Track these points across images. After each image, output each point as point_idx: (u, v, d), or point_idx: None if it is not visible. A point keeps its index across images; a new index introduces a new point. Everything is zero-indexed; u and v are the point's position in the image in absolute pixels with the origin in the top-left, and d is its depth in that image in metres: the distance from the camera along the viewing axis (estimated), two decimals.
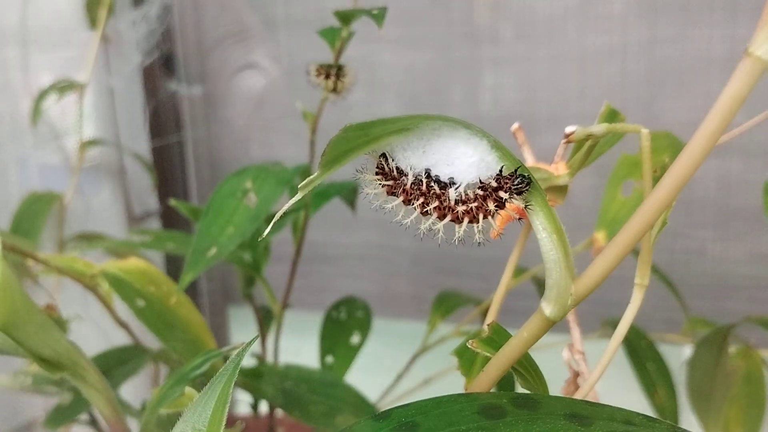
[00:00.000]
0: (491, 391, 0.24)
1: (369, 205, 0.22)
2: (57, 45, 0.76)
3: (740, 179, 0.73)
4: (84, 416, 0.55)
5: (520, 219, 0.23)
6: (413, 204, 0.21)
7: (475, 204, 0.21)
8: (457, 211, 0.21)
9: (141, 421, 0.36)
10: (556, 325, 0.23)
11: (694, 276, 0.76)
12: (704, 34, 0.71)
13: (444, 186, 0.21)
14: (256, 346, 0.62)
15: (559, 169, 0.29)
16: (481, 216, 0.21)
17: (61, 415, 0.50)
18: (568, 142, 0.26)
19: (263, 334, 0.61)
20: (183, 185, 0.92)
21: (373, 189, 0.22)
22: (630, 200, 0.43)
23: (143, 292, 0.43)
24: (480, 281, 0.84)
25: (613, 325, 0.24)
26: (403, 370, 0.68)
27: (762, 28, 0.18)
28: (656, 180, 0.21)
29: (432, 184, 0.21)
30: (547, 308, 0.22)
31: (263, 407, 0.65)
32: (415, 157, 0.21)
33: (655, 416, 0.45)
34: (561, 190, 0.29)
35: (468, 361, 0.30)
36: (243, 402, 0.71)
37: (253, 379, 0.49)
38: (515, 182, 0.21)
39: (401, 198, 0.21)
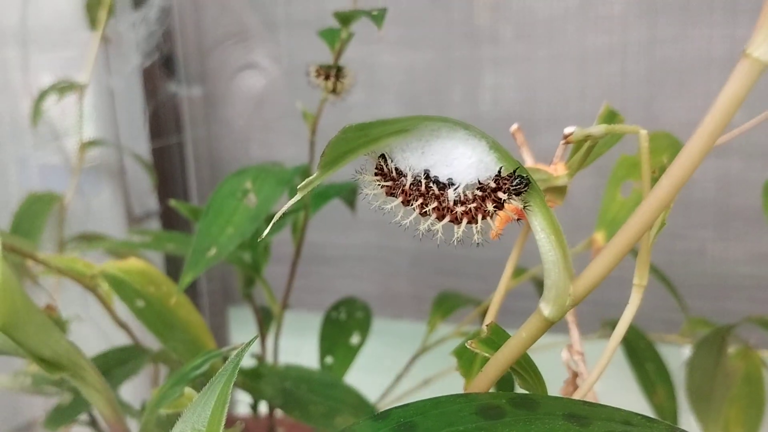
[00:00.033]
0: (490, 391, 0.24)
1: (369, 206, 0.22)
2: (57, 45, 0.76)
3: (740, 179, 0.73)
4: (84, 416, 0.55)
5: (518, 220, 0.23)
6: (412, 205, 0.21)
7: (474, 205, 0.21)
8: (456, 212, 0.21)
9: (141, 422, 0.36)
10: (555, 325, 0.23)
11: (693, 276, 0.76)
12: (704, 35, 0.71)
13: (443, 187, 0.21)
14: (255, 347, 0.62)
15: (558, 170, 0.29)
16: (479, 217, 0.21)
17: (60, 415, 0.50)
18: (567, 143, 0.26)
19: (263, 335, 0.61)
20: (183, 186, 0.92)
21: (372, 190, 0.22)
22: (629, 201, 0.43)
23: (143, 293, 0.43)
24: (479, 282, 0.84)
25: (613, 325, 0.24)
26: (403, 371, 0.68)
27: (760, 30, 0.18)
28: (655, 181, 0.21)
29: (431, 184, 0.21)
30: (546, 309, 0.22)
31: (263, 407, 0.65)
32: (414, 158, 0.21)
33: (654, 416, 0.45)
34: (560, 190, 0.29)
35: (467, 361, 0.31)
36: (243, 402, 0.71)
37: (252, 380, 0.49)
38: (514, 183, 0.21)
39: (400, 199, 0.22)
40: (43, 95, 0.70)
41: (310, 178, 0.20)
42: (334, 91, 0.45)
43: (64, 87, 0.71)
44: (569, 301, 0.22)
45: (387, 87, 0.84)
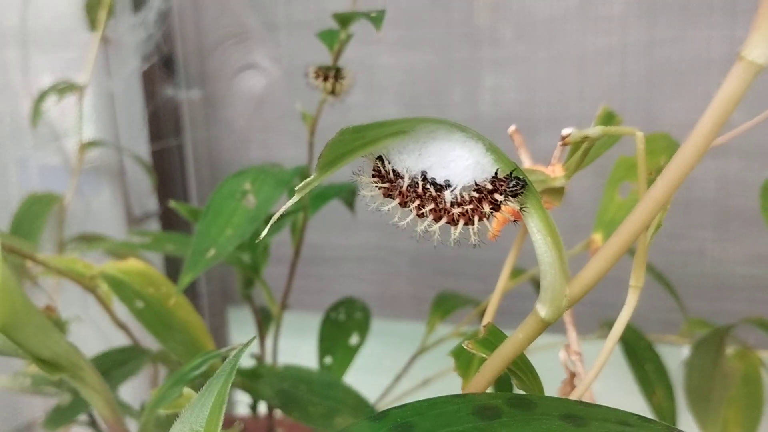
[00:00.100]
0: (487, 391, 0.24)
1: (367, 207, 0.23)
2: (57, 46, 0.76)
3: (739, 180, 0.73)
4: (83, 417, 0.55)
5: (515, 221, 0.23)
6: (409, 206, 0.22)
7: (471, 206, 0.21)
8: (453, 213, 0.21)
9: (140, 422, 0.36)
10: (554, 326, 0.23)
11: (692, 277, 0.76)
12: (704, 35, 0.71)
13: (440, 188, 0.21)
14: (255, 347, 0.62)
15: (555, 171, 0.29)
16: (476, 218, 0.21)
17: (60, 415, 0.50)
18: (564, 144, 0.26)
19: (262, 335, 0.62)
20: (183, 186, 0.92)
21: (369, 191, 0.22)
22: (627, 202, 0.43)
23: (142, 294, 0.43)
24: (479, 282, 0.84)
25: (611, 326, 0.24)
26: (402, 371, 0.68)
27: (755, 32, 0.18)
28: (651, 182, 0.21)
29: (428, 186, 0.21)
30: (542, 310, 0.22)
31: (262, 408, 0.65)
32: (412, 160, 0.21)
33: (653, 417, 0.45)
34: (557, 192, 0.29)
35: (465, 362, 0.31)
36: (242, 403, 0.71)
37: (251, 380, 0.50)
38: (510, 185, 0.21)
39: (398, 200, 0.22)
40: (42, 96, 0.70)
41: (308, 179, 0.20)
42: (333, 92, 0.46)
43: (63, 88, 0.71)
44: (565, 302, 0.22)
45: (386, 88, 0.84)
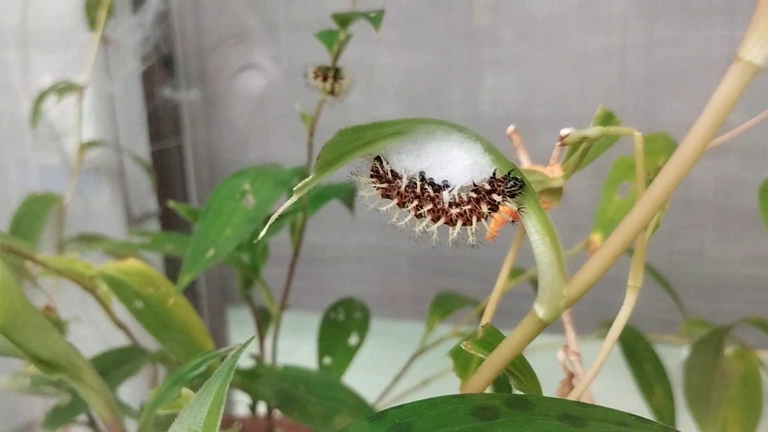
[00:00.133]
0: (486, 392, 0.25)
1: (366, 207, 0.23)
2: (57, 46, 0.76)
3: (738, 180, 0.73)
4: (83, 417, 0.55)
5: (513, 221, 0.23)
6: (407, 206, 0.22)
7: (469, 207, 0.21)
8: (451, 214, 0.21)
9: (139, 422, 0.36)
10: (553, 326, 0.23)
11: (692, 277, 0.76)
12: (703, 36, 0.71)
13: (438, 189, 0.21)
14: (254, 347, 0.62)
15: (554, 172, 0.29)
16: (474, 218, 0.21)
17: (59, 416, 0.50)
18: (563, 144, 0.26)
19: (262, 335, 0.62)
20: (182, 187, 0.92)
21: (368, 192, 0.22)
22: (626, 202, 0.43)
23: (141, 294, 0.43)
24: (478, 282, 0.84)
25: (610, 326, 0.24)
26: (402, 371, 0.68)
27: (752, 33, 0.18)
28: (650, 182, 0.21)
29: (426, 186, 0.21)
30: (540, 310, 0.22)
31: (261, 408, 0.65)
32: (410, 160, 0.21)
33: (652, 417, 0.45)
34: (556, 192, 0.29)
35: (463, 362, 0.31)
36: (241, 403, 0.71)
37: (251, 380, 0.50)
38: (508, 185, 0.21)
39: (396, 200, 0.22)
40: (42, 96, 0.70)
41: (306, 180, 0.20)
42: (332, 92, 0.46)
43: (63, 88, 0.71)
44: (563, 302, 0.22)
45: (386, 88, 0.84)
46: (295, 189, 0.20)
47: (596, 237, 0.44)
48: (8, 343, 0.28)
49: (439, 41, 0.80)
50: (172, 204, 0.55)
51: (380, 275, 0.90)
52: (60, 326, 0.46)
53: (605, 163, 0.42)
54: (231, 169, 0.81)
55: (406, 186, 0.21)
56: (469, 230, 0.21)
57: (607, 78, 0.75)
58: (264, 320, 0.63)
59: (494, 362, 0.23)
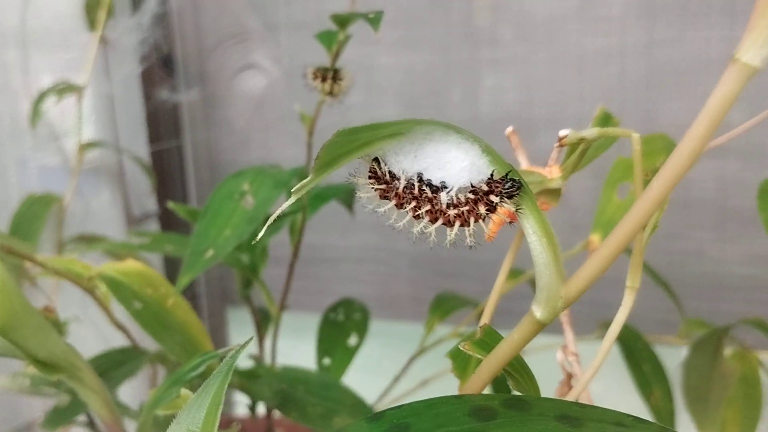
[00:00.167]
0: (484, 392, 0.25)
1: (365, 208, 0.23)
2: (57, 47, 0.76)
3: (738, 180, 0.73)
4: (82, 417, 0.55)
5: (511, 222, 0.23)
6: (405, 208, 0.22)
7: (467, 208, 0.21)
8: (449, 215, 0.21)
9: (138, 423, 0.36)
10: (552, 326, 0.23)
11: (691, 277, 0.76)
12: (703, 36, 0.71)
13: (436, 190, 0.21)
14: (253, 348, 0.62)
15: (552, 173, 0.29)
16: (472, 220, 0.21)
17: (58, 416, 0.50)
18: (561, 145, 0.26)
19: (261, 336, 0.62)
20: (182, 187, 0.92)
21: (365, 193, 0.22)
22: (625, 203, 0.43)
23: (140, 294, 0.43)
24: (478, 283, 0.84)
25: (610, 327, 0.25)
26: (401, 372, 0.68)
27: (748, 34, 0.18)
28: (647, 183, 0.21)
29: (424, 188, 0.21)
30: (538, 311, 0.22)
31: (261, 409, 0.65)
32: (407, 162, 0.21)
33: (651, 418, 0.45)
34: (554, 193, 0.29)
35: (462, 363, 0.31)
36: (241, 403, 0.71)
37: (250, 381, 0.50)
38: (506, 186, 0.21)
39: (393, 202, 0.22)
40: (42, 96, 0.70)
41: (304, 181, 0.20)
42: (331, 93, 0.46)
43: (63, 88, 0.71)
44: (561, 303, 0.22)
45: (386, 88, 0.84)
46: (293, 190, 0.20)
47: (595, 237, 0.44)
48: (7, 344, 0.28)
49: (439, 41, 0.80)
50: (171, 205, 0.55)
51: (380, 276, 0.90)
52: (59, 327, 0.46)
53: (605, 164, 0.42)
54: (231, 169, 0.81)
55: (404, 187, 0.21)
56: (467, 231, 0.21)
57: (606, 78, 0.75)
58: (263, 321, 0.63)
59: (492, 363, 0.23)
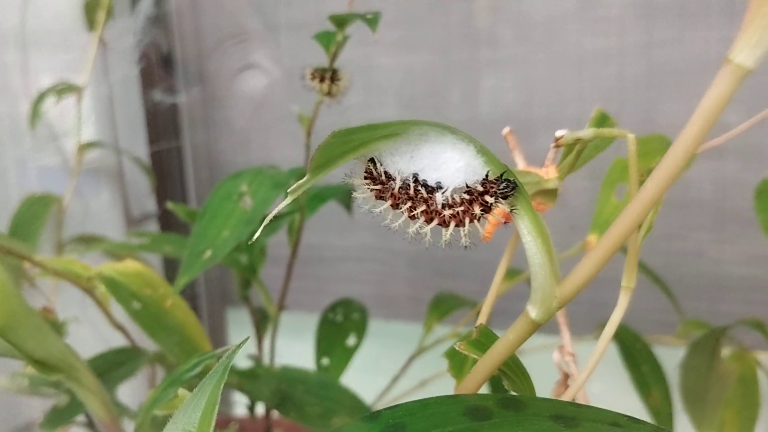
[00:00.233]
0: (480, 392, 0.25)
1: (361, 209, 0.23)
2: (56, 47, 0.76)
3: (736, 181, 0.73)
4: (81, 418, 0.55)
5: (506, 223, 0.23)
6: (401, 208, 0.22)
7: (462, 208, 0.21)
8: (444, 215, 0.21)
9: (136, 423, 0.36)
10: (550, 327, 0.24)
11: (690, 277, 0.76)
12: (702, 36, 0.71)
13: (431, 190, 0.21)
14: (252, 348, 0.62)
15: (549, 173, 0.29)
16: (467, 220, 0.21)
17: (57, 416, 0.50)
18: (557, 146, 0.26)
19: (260, 336, 0.62)
20: (181, 188, 0.92)
21: (361, 193, 0.22)
22: (623, 203, 0.43)
23: (139, 295, 0.43)
24: (477, 283, 0.84)
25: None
26: (400, 372, 0.68)
27: (741, 35, 0.18)
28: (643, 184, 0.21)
29: (419, 188, 0.21)
30: (533, 311, 0.22)
31: (260, 409, 0.66)
32: (403, 162, 0.22)
33: (649, 418, 0.45)
34: (551, 193, 0.29)
35: (458, 363, 0.31)
36: (240, 403, 0.71)
37: (249, 381, 0.50)
38: (501, 187, 0.21)
39: (389, 202, 0.22)
40: (41, 97, 0.70)
41: (300, 182, 0.20)
42: (329, 93, 0.46)
43: (62, 89, 0.71)
44: (556, 303, 0.22)
45: (385, 89, 0.84)
46: (289, 191, 0.20)
47: (593, 238, 0.44)
48: (6, 344, 0.28)
49: (438, 42, 0.80)
50: (170, 205, 0.55)
51: (378, 276, 0.90)
52: (58, 327, 0.46)
53: (603, 165, 0.42)
54: (230, 170, 0.81)
55: (400, 187, 0.21)
56: (462, 231, 0.21)
57: (605, 79, 0.75)
58: (262, 321, 0.63)
59: (487, 363, 0.23)
